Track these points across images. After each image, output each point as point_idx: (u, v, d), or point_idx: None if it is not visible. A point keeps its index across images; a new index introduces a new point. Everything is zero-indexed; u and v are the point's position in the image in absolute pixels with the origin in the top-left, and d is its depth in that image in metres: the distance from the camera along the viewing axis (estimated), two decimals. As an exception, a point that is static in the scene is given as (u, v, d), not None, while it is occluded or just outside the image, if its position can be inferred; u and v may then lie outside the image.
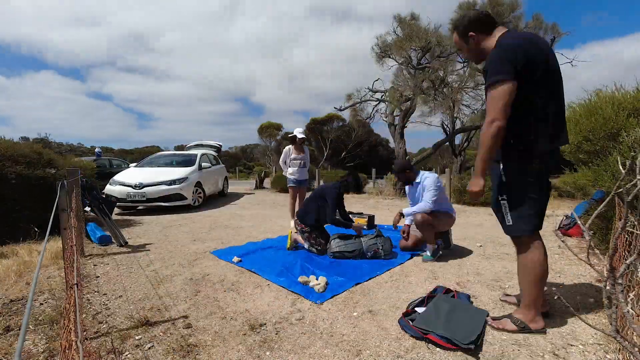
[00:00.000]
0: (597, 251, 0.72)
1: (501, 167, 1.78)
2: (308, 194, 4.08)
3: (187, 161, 8.03)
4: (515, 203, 1.76)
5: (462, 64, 10.03)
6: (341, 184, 3.75)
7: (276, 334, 1.89)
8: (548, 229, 4.55)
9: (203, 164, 8.15)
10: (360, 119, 12.86)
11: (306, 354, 1.68)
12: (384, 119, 12.03)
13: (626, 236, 1.82)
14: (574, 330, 1.85)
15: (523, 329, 1.81)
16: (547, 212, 5.49)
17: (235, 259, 3.25)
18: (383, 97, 11.64)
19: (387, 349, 1.72)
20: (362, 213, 5.43)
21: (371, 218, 4.99)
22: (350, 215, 4.22)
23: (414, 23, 10.28)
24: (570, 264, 3.05)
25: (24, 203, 4.20)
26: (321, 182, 11.48)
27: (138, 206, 6.92)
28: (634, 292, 1.45)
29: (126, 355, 1.68)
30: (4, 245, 3.73)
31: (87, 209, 4.20)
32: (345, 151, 26.07)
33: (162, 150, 14.42)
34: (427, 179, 3.29)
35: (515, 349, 1.69)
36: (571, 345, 1.71)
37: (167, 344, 1.76)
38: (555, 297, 2.21)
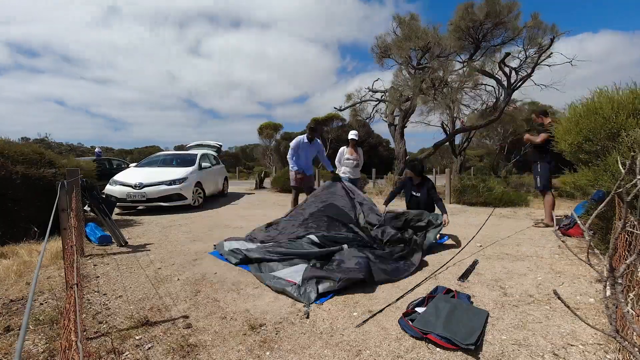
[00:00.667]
0: (597, 251, 0.72)
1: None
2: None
3: (187, 161, 8.03)
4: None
5: (461, 64, 10.04)
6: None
7: (276, 334, 1.89)
8: (548, 229, 4.56)
9: (203, 164, 8.15)
10: (360, 119, 12.86)
11: (306, 354, 1.68)
12: (384, 119, 12.04)
13: (626, 236, 1.82)
14: (574, 330, 1.85)
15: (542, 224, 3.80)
16: (547, 212, 5.34)
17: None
18: (383, 97, 11.65)
19: (387, 349, 1.72)
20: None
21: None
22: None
23: (414, 23, 10.29)
24: (570, 264, 3.04)
25: (24, 203, 4.20)
26: (321, 182, 11.48)
27: (138, 206, 6.92)
28: (634, 292, 1.45)
29: (126, 355, 1.68)
30: (4, 245, 3.73)
31: (87, 209, 4.21)
32: (345, 151, 26.01)
33: (162, 150, 14.41)
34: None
35: (515, 349, 1.69)
36: (571, 345, 1.71)
37: (167, 344, 1.76)
38: (556, 297, 2.21)
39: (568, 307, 0.70)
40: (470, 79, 9.48)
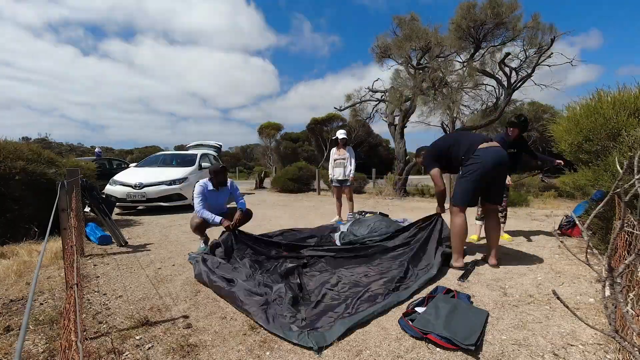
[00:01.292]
0: (596, 251, 0.72)
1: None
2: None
3: (187, 161, 8.04)
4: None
5: (461, 64, 10.04)
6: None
7: (276, 334, 1.89)
8: (548, 229, 4.56)
9: (203, 164, 8.16)
10: (360, 119, 12.86)
11: (306, 354, 1.68)
12: (384, 119, 12.03)
13: (625, 236, 1.82)
14: (574, 330, 1.85)
15: (449, 266, 2.92)
16: (547, 212, 5.49)
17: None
18: (383, 97, 11.65)
19: (387, 349, 1.72)
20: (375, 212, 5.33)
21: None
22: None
23: (414, 23, 10.28)
24: (570, 264, 3.04)
25: (24, 203, 4.20)
26: (321, 182, 11.47)
27: (138, 206, 6.92)
28: (633, 292, 1.45)
29: (126, 355, 1.68)
30: (4, 245, 3.73)
31: (87, 209, 4.21)
32: (346, 151, 25.99)
33: (162, 150, 14.42)
34: None
35: (515, 349, 1.69)
36: (571, 345, 1.71)
37: (167, 344, 1.76)
38: (556, 297, 2.21)
39: (568, 307, 0.70)
40: (471, 79, 9.47)
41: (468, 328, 1.78)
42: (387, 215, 4.66)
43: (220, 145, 10.43)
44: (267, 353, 1.70)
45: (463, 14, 9.15)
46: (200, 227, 3.61)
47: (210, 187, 3.66)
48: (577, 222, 0.72)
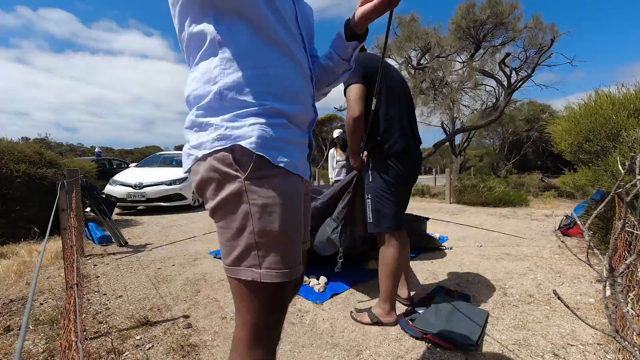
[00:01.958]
0: (597, 251, 0.72)
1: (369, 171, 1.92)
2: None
3: (187, 161, 8.03)
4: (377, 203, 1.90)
5: (461, 64, 10.04)
6: None
7: (276, 334, 1.89)
8: (548, 229, 4.56)
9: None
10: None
11: (306, 354, 1.68)
12: (384, 119, 12.01)
13: (626, 236, 1.82)
14: (574, 330, 1.85)
15: (376, 322, 1.93)
16: (547, 212, 5.45)
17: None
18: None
19: (387, 349, 1.72)
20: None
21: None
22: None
23: (414, 23, 10.29)
24: (570, 264, 3.05)
25: (24, 203, 4.20)
26: (321, 182, 11.47)
27: (138, 206, 6.92)
28: (633, 292, 1.45)
29: (126, 355, 1.68)
30: (4, 245, 3.73)
31: (87, 209, 4.21)
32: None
33: (162, 150, 14.41)
34: None
35: (515, 349, 1.69)
36: (571, 345, 1.71)
37: (168, 344, 1.76)
38: (556, 297, 2.21)
39: (568, 307, 0.70)
40: (471, 79, 9.47)
41: (468, 328, 1.78)
42: None
43: None
44: (267, 353, 1.69)
45: (463, 14, 9.16)
46: None
47: None
48: (578, 222, 0.71)
